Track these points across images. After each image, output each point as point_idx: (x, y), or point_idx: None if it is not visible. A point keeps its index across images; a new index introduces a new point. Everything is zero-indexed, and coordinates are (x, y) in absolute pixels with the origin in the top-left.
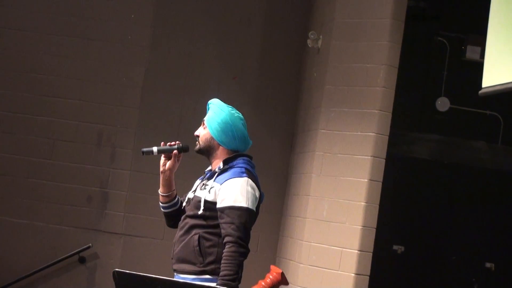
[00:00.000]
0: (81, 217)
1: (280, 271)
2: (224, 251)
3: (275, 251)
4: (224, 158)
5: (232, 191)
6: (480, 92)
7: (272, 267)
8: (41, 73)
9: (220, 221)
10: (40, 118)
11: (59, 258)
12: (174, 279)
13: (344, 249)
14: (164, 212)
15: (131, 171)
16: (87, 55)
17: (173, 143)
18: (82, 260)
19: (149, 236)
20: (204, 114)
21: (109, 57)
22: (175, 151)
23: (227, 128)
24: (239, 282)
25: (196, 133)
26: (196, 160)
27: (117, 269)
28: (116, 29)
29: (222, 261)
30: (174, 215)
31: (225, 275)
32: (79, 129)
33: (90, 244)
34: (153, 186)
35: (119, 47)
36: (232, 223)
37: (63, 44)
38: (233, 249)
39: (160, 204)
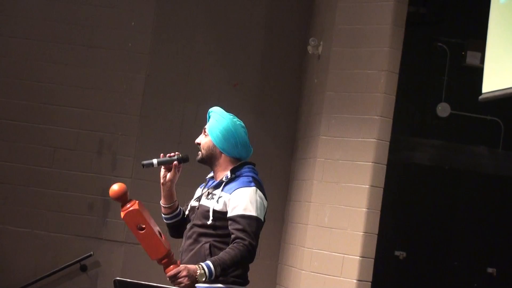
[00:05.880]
0: (82, 225)
1: None
2: (233, 245)
3: (276, 258)
4: (227, 166)
5: (242, 200)
6: (480, 97)
7: None
8: (41, 81)
9: (231, 227)
10: (40, 126)
11: (60, 267)
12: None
13: (346, 255)
14: (167, 223)
15: (132, 178)
16: (87, 62)
17: (172, 154)
18: (83, 269)
19: None
20: (205, 121)
21: (110, 65)
22: (175, 162)
23: (229, 135)
24: (224, 278)
25: (197, 141)
26: (197, 168)
27: (118, 278)
28: (116, 37)
29: (226, 249)
30: (177, 226)
31: (221, 258)
32: (80, 137)
33: (92, 252)
34: (154, 194)
35: (119, 55)
36: (244, 230)
37: (63, 52)
38: (241, 248)
39: (163, 215)
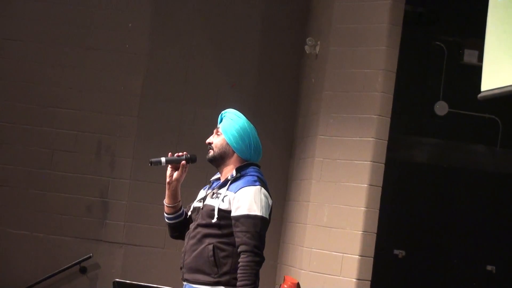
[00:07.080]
0: (81, 227)
1: (296, 281)
2: (240, 260)
3: (276, 257)
4: (235, 167)
5: (246, 199)
6: (479, 95)
7: (286, 277)
8: (39, 83)
9: (235, 229)
10: (39, 128)
11: (60, 269)
12: None
13: (345, 255)
14: (169, 223)
15: (131, 180)
16: (85, 64)
17: (180, 153)
18: (83, 270)
19: (150, 245)
20: (204, 121)
21: (107, 66)
22: (183, 162)
23: (244, 135)
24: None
25: (209, 140)
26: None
27: (117, 279)
28: (114, 38)
29: (239, 271)
30: (178, 226)
31: (243, 285)
32: (78, 139)
33: (91, 254)
34: (153, 195)
35: (117, 56)
36: (248, 232)
37: (61, 54)
38: (249, 258)
39: (165, 215)
